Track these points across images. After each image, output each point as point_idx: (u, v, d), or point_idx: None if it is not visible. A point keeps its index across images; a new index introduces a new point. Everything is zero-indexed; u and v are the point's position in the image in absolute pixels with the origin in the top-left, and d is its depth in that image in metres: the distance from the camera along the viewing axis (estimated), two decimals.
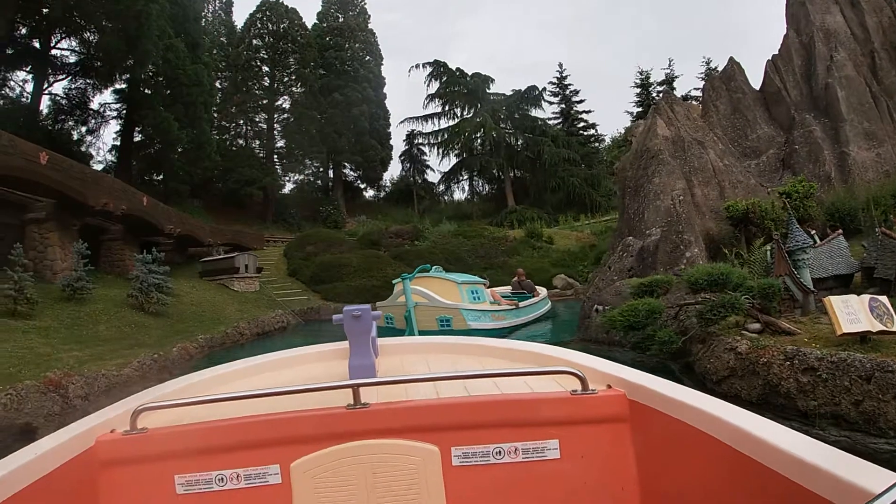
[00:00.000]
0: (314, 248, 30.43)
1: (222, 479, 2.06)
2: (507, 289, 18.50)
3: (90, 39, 28.69)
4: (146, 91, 33.05)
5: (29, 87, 30.93)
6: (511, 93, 51.72)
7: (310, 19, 51.89)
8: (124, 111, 35.04)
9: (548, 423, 2.13)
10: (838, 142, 15.37)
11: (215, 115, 44.25)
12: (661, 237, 12.16)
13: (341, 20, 53.98)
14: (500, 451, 2.10)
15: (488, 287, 16.31)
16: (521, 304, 15.93)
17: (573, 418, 2.14)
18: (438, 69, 52.05)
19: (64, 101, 34.19)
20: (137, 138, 36.41)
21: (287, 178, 50.35)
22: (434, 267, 15.99)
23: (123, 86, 33.74)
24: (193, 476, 2.06)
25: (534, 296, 17.24)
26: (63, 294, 14.54)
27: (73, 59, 31.56)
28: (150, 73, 32.90)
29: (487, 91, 52.21)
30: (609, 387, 2.25)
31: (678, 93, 46.05)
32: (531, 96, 50.84)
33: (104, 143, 55.04)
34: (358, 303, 2.91)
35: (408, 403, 2.21)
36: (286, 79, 47.35)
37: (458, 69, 52.37)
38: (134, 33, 25.17)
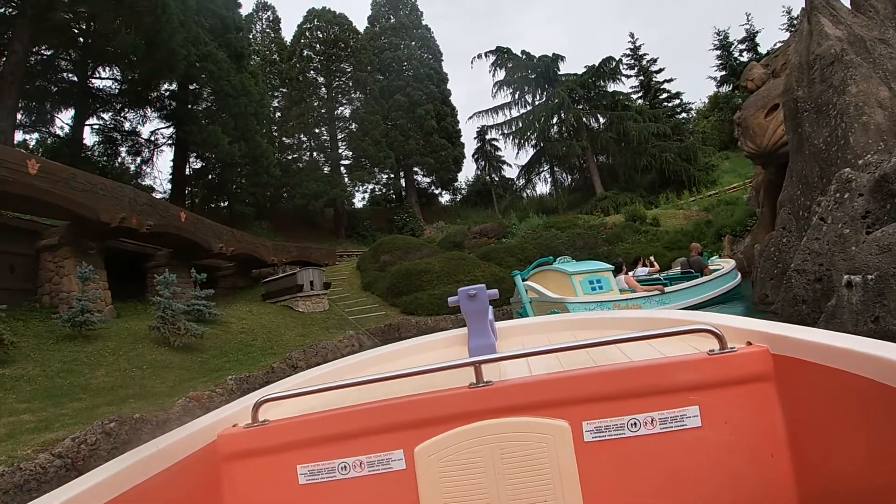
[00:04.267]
0: (390, 256, 26.83)
1: (345, 467, 2.04)
2: (677, 270, 16.92)
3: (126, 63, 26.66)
4: (192, 108, 30.93)
5: (69, 120, 29.38)
6: (584, 70, 47.07)
7: (360, 24, 49.39)
8: (174, 135, 33.02)
9: (685, 388, 1.94)
10: None
11: (275, 132, 42.84)
12: None
13: (393, 20, 51.09)
14: (635, 423, 1.94)
15: (625, 272, 14.39)
16: (671, 288, 13.90)
17: (713, 381, 1.94)
18: (502, 56, 48.17)
19: (114, 133, 32.63)
20: (196, 165, 34.97)
21: (357, 190, 47.65)
22: (560, 257, 14.40)
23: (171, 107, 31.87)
24: (316, 465, 2.05)
25: (703, 275, 15.02)
26: (66, 331, 11.41)
27: (113, 87, 29.96)
28: (195, 89, 31.14)
29: (558, 72, 47.88)
30: (749, 343, 2.05)
31: (762, 49, 42.61)
32: (607, 69, 46.00)
33: (159, 171, 53.77)
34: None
35: (532, 379, 2.08)
36: (344, 86, 45.07)
37: (523, 52, 48.30)
38: (151, 27, 22.40)
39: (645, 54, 50.26)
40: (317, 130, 44.45)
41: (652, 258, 18.06)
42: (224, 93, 30.09)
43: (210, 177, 34.31)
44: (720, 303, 14.35)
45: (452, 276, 22.43)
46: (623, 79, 48.24)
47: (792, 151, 12.70)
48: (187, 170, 34.87)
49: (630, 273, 14.88)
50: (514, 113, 48.85)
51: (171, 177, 34.39)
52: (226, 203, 36.24)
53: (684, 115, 49.30)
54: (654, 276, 15.72)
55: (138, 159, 34.35)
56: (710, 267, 15.76)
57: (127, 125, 32.87)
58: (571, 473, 1.92)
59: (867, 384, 1.50)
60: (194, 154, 33.69)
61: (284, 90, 44.87)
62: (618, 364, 2.06)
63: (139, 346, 12.03)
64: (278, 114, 44.63)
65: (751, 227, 23.06)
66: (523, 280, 12.97)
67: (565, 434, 1.95)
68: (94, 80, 28.82)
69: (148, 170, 35.35)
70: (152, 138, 34.19)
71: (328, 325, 18.76)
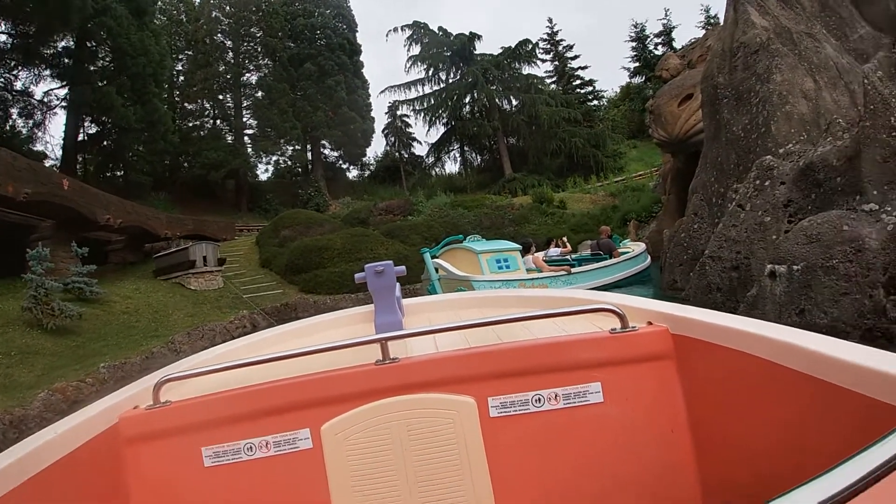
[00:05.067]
0: (291, 231, 25.89)
1: (251, 447, 1.98)
2: (588, 251, 17.05)
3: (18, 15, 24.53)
4: (88, 67, 28.75)
5: None
6: (500, 51, 47.18)
7: None
8: (67, 96, 30.66)
9: (588, 365, 2.03)
10: None
11: (177, 98, 40.84)
12: (860, 142, 7.65)
13: None
14: (539, 399, 2.01)
15: (533, 252, 14.48)
16: (579, 269, 14.20)
17: (614, 358, 2.03)
18: (419, 31, 47.55)
19: (4, 93, 29.91)
20: (92, 131, 32.72)
21: (261, 161, 46.19)
22: (470, 236, 14.50)
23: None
24: (221, 447, 1.98)
25: (612, 257, 15.37)
26: None
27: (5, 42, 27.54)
28: (92, 47, 28.91)
29: (474, 51, 47.55)
30: (650, 323, 2.15)
31: (677, 45, 43.80)
32: (523, 52, 46.26)
33: (51, 136, 50.38)
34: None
35: (438, 355, 2.12)
36: (252, 52, 43.48)
37: (440, 28, 47.81)
38: None
39: (562, 40, 50.94)
40: (221, 97, 42.76)
41: (565, 239, 18.22)
42: (122, 51, 28.15)
43: (105, 143, 32.24)
44: (629, 285, 14.53)
45: (354, 253, 21.81)
46: (538, 62, 48.70)
47: (708, 138, 12.80)
48: (82, 135, 32.67)
49: (542, 253, 15.20)
50: (427, 90, 48.35)
51: (63, 143, 31.95)
52: (122, 172, 34.29)
53: (596, 102, 50.37)
54: (564, 258, 15.81)
55: (31, 122, 31.81)
56: (620, 250, 16.05)
57: (19, 84, 30.44)
58: (478, 448, 1.96)
59: (762, 364, 1.60)
60: (90, 118, 31.58)
61: (190, 53, 42.68)
62: (523, 341, 2.13)
63: (9, 330, 11.06)
64: (182, 78, 42.43)
65: (656, 214, 23.80)
66: (433, 258, 13.03)
67: (471, 410, 1.99)
68: None
69: (41, 134, 33.05)
70: (45, 100, 31.76)
71: (221, 304, 17.91)
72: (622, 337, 2.05)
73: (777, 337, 1.59)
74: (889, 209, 6.64)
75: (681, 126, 18.72)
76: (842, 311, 6.32)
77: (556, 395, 2.00)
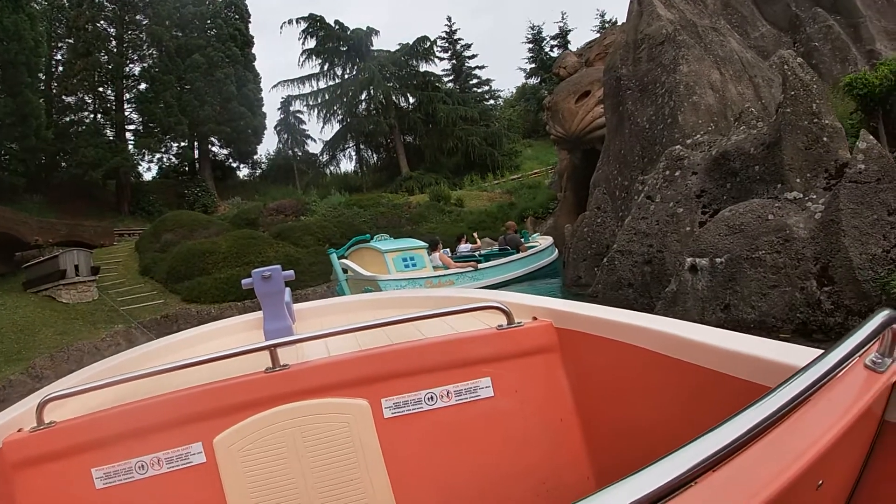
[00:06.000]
0: (173, 235, 24.59)
1: (143, 465, 1.92)
2: (496, 246, 17.40)
3: None
4: None
5: None
6: (398, 47, 46.72)
7: None
8: None
9: (477, 361, 2.12)
10: (860, 40, 12.11)
11: (54, 89, 37.73)
12: (780, 129, 7.58)
13: None
14: (431, 397, 2.07)
15: (440, 249, 14.60)
16: (485, 264, 14.49)
17: (502, 353, 2.13)
18: (315, 24, 46.04)
19: None
20: None
21: (144, 160, 42.85)
22: (378, 235, 14.58)
23: None
24: (111, 467, 1.91)
25: (519, 251, 15.69)
26: None
27: None
28: None
29: (371, 47, 46.96)
30: (535, 318, 2.27)
31: (572, 47, 44.56)
32: (421, 49, 45.88)
33: None
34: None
35: (330, 360, 2.14)
36: (137, 40, 40.82)
37: (336, 22, 46.50)
38: None
39: (460, 39, 51.52)
40: (102, 89, 39.88)
41: (476, 235, 18.60)
42: None
43: None
44: (537, 278, 15.08)
45: (242, 257, 21.06)
46: (436, 60, 48.52)
47: (610, 131, 12.91)
48: None
49: (450, 250, 15.62)
50: (322, 85, 47.27)
51: None
52: None
53: (492, 101, 51.06)
54: (472, 254, 16.08)
55: None
56: (528, 244, 16.39)
57: None
58: (374, 450, 1.99)
59: (641, 352, 1.69)
60: None
61: (70, 41, 39.34)
62: (414, 341, 2.17)
63: None
64: (60, 68, 39.27)
65: (553, 210, 24.38)
66: (340, 258, 13.00)
67: (365, 412, 2.02)
68: None
69: None
70: None
71: (95, 318, 16.85)
72: (508, 333, 2.15)
73: (653, 327, 1.69)
74: (814, 197, 6.65)
75: (578, 123, 19.14)
76: (771, 304, 6.29)
77: (448, 392, 2.06)
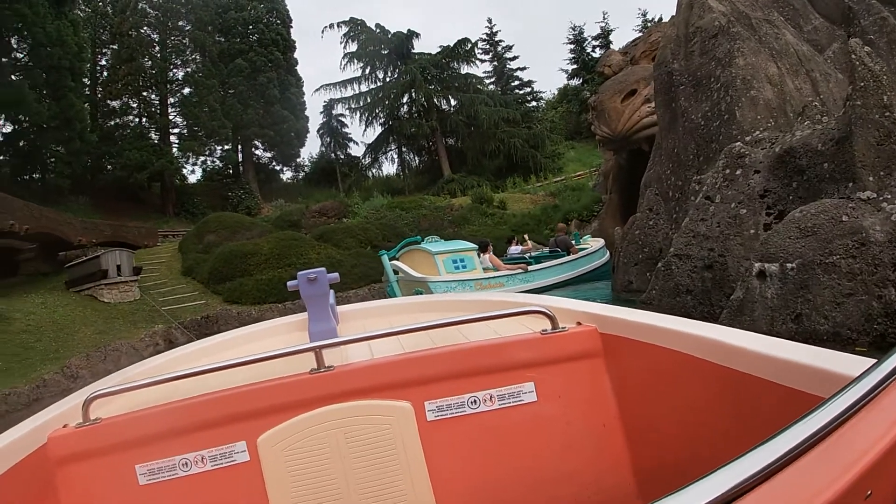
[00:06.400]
0: (216, 236, 24.44)
1: (186, 463, 1.93)
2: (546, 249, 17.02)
3: None
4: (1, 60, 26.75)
5: None
6: (439, 50, 46.21)
7: None
8: None
9: (520, 366, 2.10)
10: None
11: (99, 94, 38.63)
12: (852, 122, 6.89)
13: None
14: (474, 401, 2.05)
15: (490, 251, 14.56)
16: (535, 266, 14.41)
17: (546, 358, 2.12)
18: (356, 27, 45.99)
19: None
20: (7, 129, 30.53)
21: (188, 163, 43.53)
22: (429, 237, 14.91)
23: None
24: (155, 464, 1.92)
25: (569, 254, 15.46)
26: None
27: None
28: (4, 36, 27.02)
29: (412, 50, 46.54)
30: (579, 323, 2.25)
31: (615, 47, 43.79)
32: (462, 51, 45.31)
33: None
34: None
35: (374, 362, 2.13)
36: (180, 45, 41.27)
37: (377, 25, 46.52)
38: None
39: (501, 41, 50.76)
40: (146, 94, 40.51)
41: (526, 236, 18.45)
42: (37, 42, 26.30)
43: (21, 144, 30.00)
44: (588, 281, 14.94)
45: (283, 258, 20.65)
46: (477, 62, 47.89)
47: (662, 128, 12.22)
48: None
49: (498, 253, 15.39)
50: (364, 88, 47.03)
51: None
52: (39, 175, 32.34)
53: (534, 103, 50.23)
54: (522, 256, 15.92)
55: None
56: (579, 246, 16.19)
57: None
58: (416, 452, 1.98)
59: (685, 358, 1.68)
60: (4, 117, 29.44)
61: (114, 47, 40.18)
62: (457, 345, 2.15)
63: None
64: (105, 73, 40.14)
65: (598, 213, 23.77)
66: (391, 259, 13.14)
67: (408, 415, 2.01)
68: None
69: None
70: None
71: (136, 318, 16.60)
72: (553, 337, 2.13)
73: (698, 333, 1.66)
74: (889, 197, 5.99)
75: (624, 122, 18.55)
76: (846, 314, 5.62)
77: (490, 397, 2.04)
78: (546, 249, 16.91)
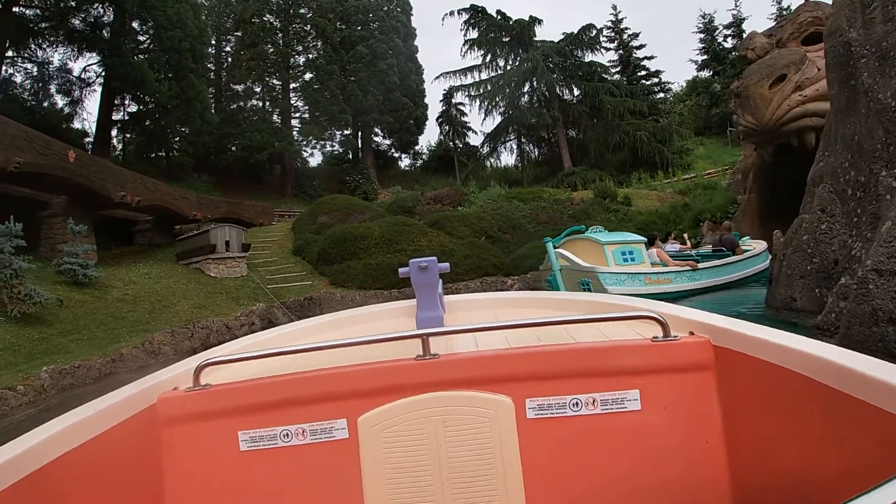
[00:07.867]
0: (329, 218, 24.02)
1: (287, 434, 1.99)
2: (708, 248, 16.34)
3: None
4: (124, 40, 27.55)
5: None
6: (562, 37, 44.17)
7: None
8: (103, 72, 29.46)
9: (627, 372, 1.98)
10: None
11: (224, 78, 40.12)
12: None
13: None
14: (577, 403, 1.98)
15: (658, 245, 14.33)
16: (703, 264, 13.71)
17: (654, 367, 1.99)
18: (476, 14, 44.66)
19: (43, 70, 29.38)
20: (132, 109, 32.00)
21: (308, 146, 44.73)
22: (593, 227, 14.53)
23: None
24: (257, 432, 1.99)
25: (735, 254, 14.61)
26: None
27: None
28: (128, 19, 27.89)
29: (534, 37, 44.68)
30: (692, 333, 2.09)
31: None
32: (586, 38, 43.07)
33: (89, 113, 49.09)
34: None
35: (478, 354, 2.10)
36: (301, 32, 42.05)
37: (498, 12, 44.83)
38: None
39: (626, 28, 47.79)
40: (267, 79, 41.46)
41: (685, 235, 18.23)
42: (158, 25, 26.92)
43: (147, 123, 31.11)
44: (748, 285, 14.05)
45: (393, 243, 19.84)
46: (602, 50, 45.49)
47: (836, 111, 9.92)
48: (122, 114, 32.11)
49: (668, 246, 15.19)
50: (484, 76, 45.58)
51: (97, 120, 30.67)
52: (163, 153, 33.68)
53: (662, 95, 47.30)
54: (686, 253, 15.43)
55: (68, 100, 31.11)
56: (742, 248, 15.34)
57: (56, 60, 29.75)
58: (513, 449, 1.94)
59: (802, 380, 1.56)
60: (130, 97, 30.60)
61: (238, 34, 41.46)
62: (563, 344, 2.08)
63: None
64: (230, 59, 41.54)
65: (732, 214, 21.67)
66: (554, 248, 12.78)
67: (508, 410, 1.96)
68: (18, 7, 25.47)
69: (80, 112, 32.45)
70: (83, 76, 30.86)
71: (239, 294, 15.99)
72: (663, 346, 2.01)
73: (821, 355, 1.53)
74: None
75: (773, 112, 16.10)
76: None
77: (593, 401, 1.96)
78: (709, 248, 16.09)
